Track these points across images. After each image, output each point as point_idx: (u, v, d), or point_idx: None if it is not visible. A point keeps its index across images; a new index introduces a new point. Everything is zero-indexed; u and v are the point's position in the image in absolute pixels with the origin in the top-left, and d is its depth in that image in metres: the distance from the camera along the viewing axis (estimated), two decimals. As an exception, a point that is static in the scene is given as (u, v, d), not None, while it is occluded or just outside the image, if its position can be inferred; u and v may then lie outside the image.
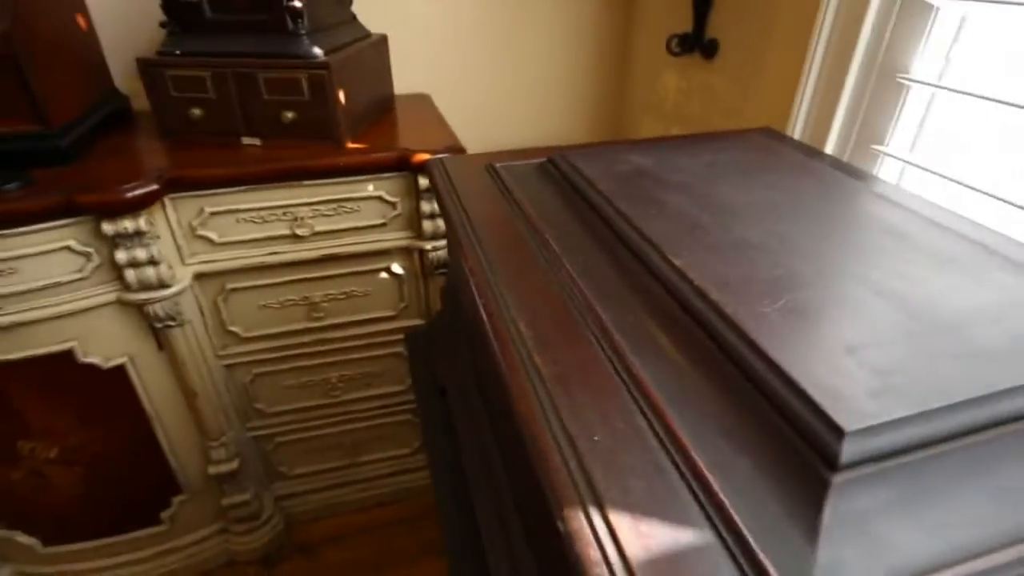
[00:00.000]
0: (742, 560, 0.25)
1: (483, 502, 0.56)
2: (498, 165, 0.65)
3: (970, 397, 0.29)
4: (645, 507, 0.27)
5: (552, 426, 0.32)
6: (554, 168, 0.60)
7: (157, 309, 0.94)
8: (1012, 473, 0.28)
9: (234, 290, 1.05)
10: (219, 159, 0.94)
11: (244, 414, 1.20)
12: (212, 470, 1.15)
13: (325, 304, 1.12)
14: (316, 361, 1.19)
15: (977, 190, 0.66)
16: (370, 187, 1.02)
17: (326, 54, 0.93)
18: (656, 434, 0.31)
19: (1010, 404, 0.29)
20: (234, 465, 1.17)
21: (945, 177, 0.70)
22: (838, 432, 0.27)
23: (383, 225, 1.07)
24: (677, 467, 0.29)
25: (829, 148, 0.89)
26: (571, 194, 0.55)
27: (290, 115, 0.95)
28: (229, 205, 0.96)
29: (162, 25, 0.96)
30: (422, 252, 1.10)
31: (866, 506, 0.26)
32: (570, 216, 0.53)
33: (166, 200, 0.92)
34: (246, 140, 0.99)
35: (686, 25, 1.20)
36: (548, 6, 1.41)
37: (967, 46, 0.73)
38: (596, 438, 0.31)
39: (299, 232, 1.02)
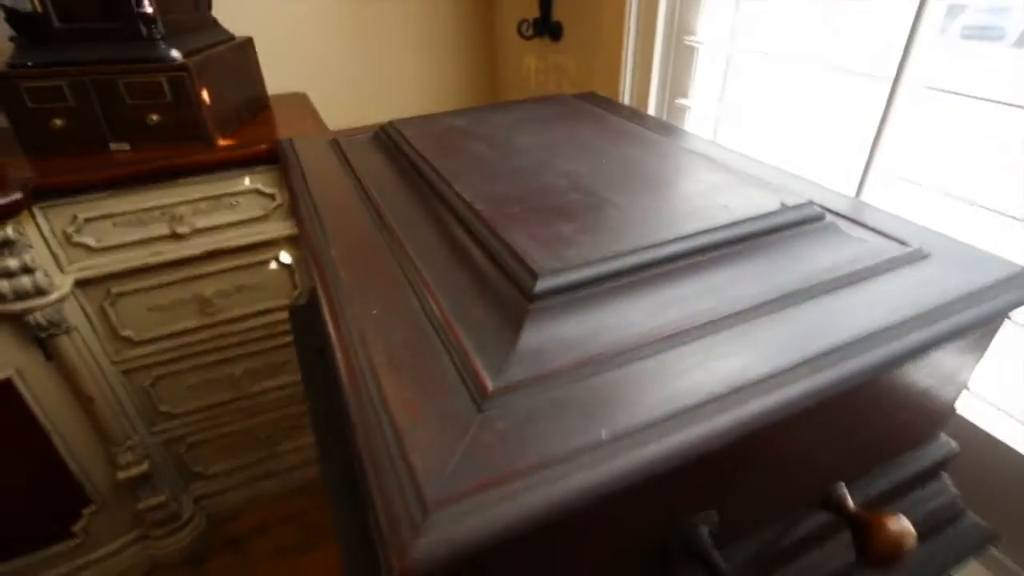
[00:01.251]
0: (457, 364, 0.35)
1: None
2: (341, 139, 0.73)
3: (640, 245, 0.40)
4: (398, 358, 0.36)
5: (345, 312, 0.41)
6: (385, 134, 0.69)
7: (38, 317, 0.95)
8: (664, 293, 0.40)
9: (121, 294, 1.07)
10: (87, 166, 0.97)
11: (149, 418, 1.22)
12: (121, 475, 1.17)
13: (217, 300, 1.16)
14: (217, 357, 1.22)
15: (744, 125, 0.81)
16: (246, 181, 1.08)
17: (185, 56, 0.97)
18: (421, 304, 0.41)
19: (670, 248, 0.41)
20: (144, 467, 1.18)
21: (726, 119, 0.85)
22: (533, 275, 0.37)
23: (264, 217, 1.12)
24: (432, 323, 0.39)
25: (651, 107, 1.03)
26: (394, 152, 0.64)
27: (155, 118, 0.99)
28: (103, 210, 0.99)
29: (12, 39, 0.97)
30: (308, 239, 1.16)
31: (553, 322, 0.37)
32: (389, 170, 0.62)
33: (35, 209, 0.94)
34: (114, 146, 1.02)
35: (535, 11, 1.32)
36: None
37: (745, 11, 0.87)
38: (374, 311, 0.40)
39: (179, 231, 1.05)
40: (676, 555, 0.39)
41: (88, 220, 0.99)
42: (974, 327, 0.40)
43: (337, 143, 0.73)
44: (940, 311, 0.40)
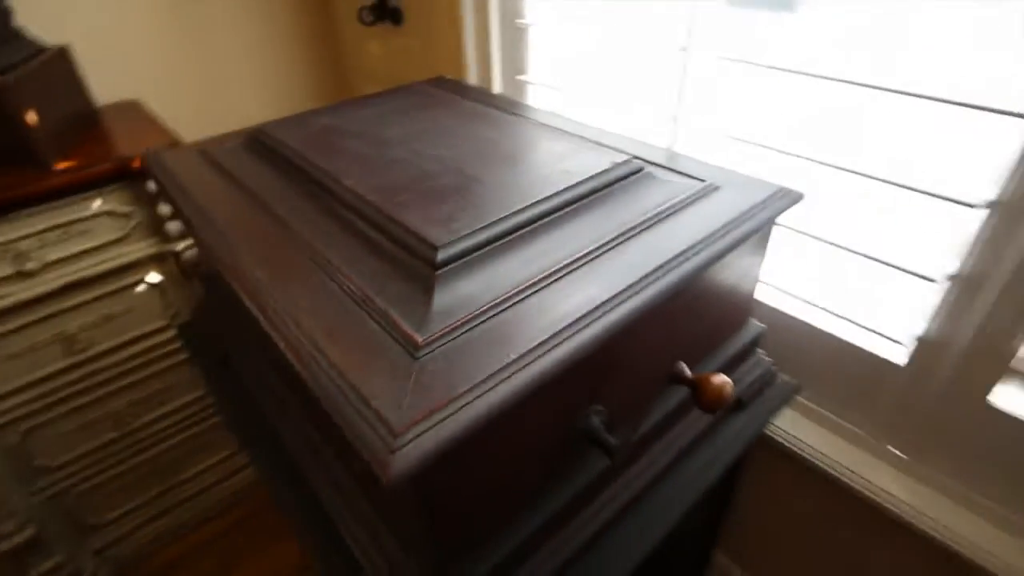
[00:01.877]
0: (387, 328, 0.43)
1: (289, 432, 0.68)
2: (209, 149, 0.74)
3: (507, 213, 0.50)
4: (337, 330, 0.43)
5: (275, 307, 0.46)
6: (256, 141, 0.72)
7: None
8: (532, 247, 0.51)
9: (-35, 348, 0.97)
10: None
11: (25, 477, 1.12)
12: (5, 546, 1.07)
13: (84, 334, 1.09)
14: (94, 395, 1.15)
15: (576, 93, 0.94)
16: (96, 203, 1.02)
17: (-6, 77, 0.89)
18: (340, 287, 0.48)
19: (531, 211, 0.52)
20: (28, 533, 1.10)
21: (559, 89, 0.98)
22: (434, 249, 0.46)
23: (123, 239, 1.07)
24: (355, 300, 0.46)
25: (495, 84, 1.13)
26: (271, 156, 0.68)
27: (-30, 148, 0.90)
28: (-75, 259, 0.89)
29: None
30: (176, 254, 1.13)
31: (456, 282, 0.46)
32: (276, 176, 0.66)
33: None
34: (-79, 185, 0.91)
35: (370, -2, 1.35)
36: (236, -5, 1.44)
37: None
38: (302, 302, 0.46)
39: (27, 268, 0.98)
40: (579, 442, 0.52)
41: (-93, 273, 0.88)
42: (753, 232, 0.56)
43: (206, 152, 0.74)
44: (728, 226, 0.55)
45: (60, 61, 1.11)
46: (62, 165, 0.99)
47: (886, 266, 0.71)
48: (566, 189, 0.55)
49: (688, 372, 0.51)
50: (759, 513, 1.06)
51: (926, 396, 0.75)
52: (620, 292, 0.46)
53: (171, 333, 1.20)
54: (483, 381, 0.39)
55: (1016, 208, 0.60)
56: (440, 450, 0.36)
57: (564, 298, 0.46)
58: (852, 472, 0.82)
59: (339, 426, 0.37)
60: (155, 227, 1.10)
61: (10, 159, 0.94)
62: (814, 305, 0.83)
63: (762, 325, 0.74)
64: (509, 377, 0.40)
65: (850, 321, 0.79)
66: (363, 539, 0.56)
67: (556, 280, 0.48)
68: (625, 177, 0.59)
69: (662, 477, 0.65)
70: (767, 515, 1.05)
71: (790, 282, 0.84)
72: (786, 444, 0.88)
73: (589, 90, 0.96)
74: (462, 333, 0.43)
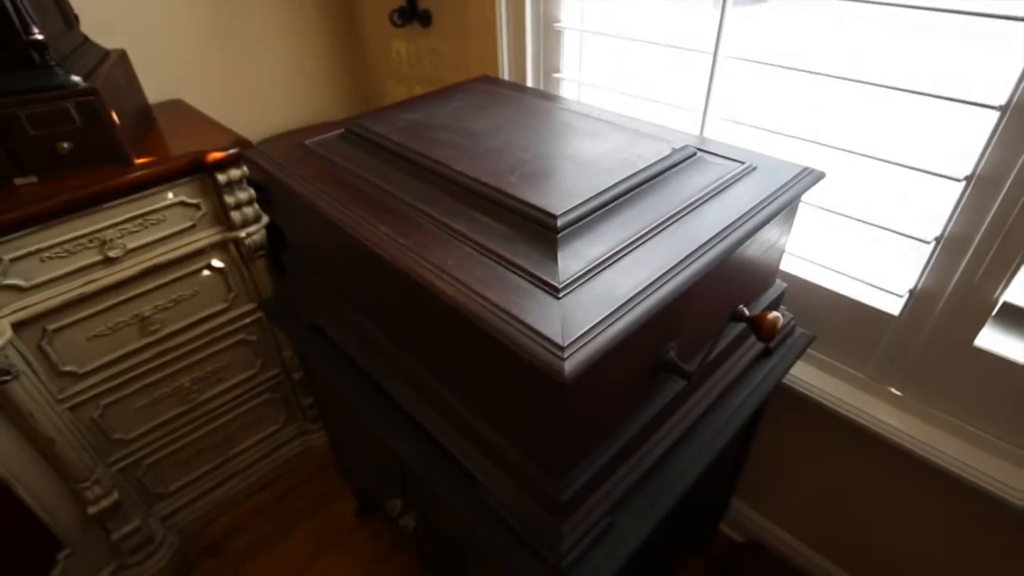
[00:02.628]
0: (528, 277, 0.55)
1: (397, 380, 0.80)
2: (306, 142, 0.85)
3: (604, 188, 0.63)
4: (487, 280, 0.55)
5: (429, 268, 0.58)
6: (353, 135, 0.83)
7: (-13, 367, 0.93)
8: (624, 214, 0.63)
9: (58, 329, 1.06)
10: (-4, 206, 0.94)
11: (103, 449, 1.21)
12: (92, 510, 1.16)
13: (158, 316, 1.18)
14: (163, 373, 1.24)
15: (610, 89, 1.06)
16: (170, 195, 1.11)
17: (84, 79, 0.97)
18: (474, 250, 0.60)
19: (620, 187, 0.65)
20: (115, 497, 1.19)
21: (596, 86, 1.10)
22: (553, 217, 0.59)
23: (192, 227, 1.16)
24: (494, 259, 0.58)
25: (528, 80, 1.25)
26: (375, 149, 0.79)
27: (66, 146, 0.98)
28: (27, 248, 0.97)
29: None
30: (237, 242, 1.22)
31: (573, 242, 0.59)
32: (378, 161, 0.77)
33: (-47, 259, 0.90)
34: (20, 181, 0.99)
35: (400, 0, 1.45)
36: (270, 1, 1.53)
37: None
38: (449, 261, 0.58)
39: (111, 254, 1.06)
40: (660, 369, 0.65)
41: (13, 260, 0.96)
42: (789, 203, 0.70)
43: (302, 145, 0.84)
44: (769, 198, 0.68)
45: (124, 65, 1.19)
46: (141, 160, 1.08)
47: (882, 230, 0.86)
48: (642, 170, 0.68)
49: (747, 312, 0.64)
50: (772, 456, 1.21)
51: (918, 341, 0.90)
52: (698, 248, 0.60)
53: (231, 315, 1.29)
54: (611, 314, 0.52)
55: (988, 181, 0.75)
56: (589, 362, 0.48)
57: (658, 253, 0.59)
58: (856, 409, 0.98)
59: (509, 350, 0.50)
60: (219, 217, 1.19)
61: (100, 157, 1.02)
62: (821, 266, 0.97)
63: (784, 284, 0.88)
64: (627, 312, 0.52)
65: (851, 278, 0.94)
66: (476, 457, 0.68)
67: (648, 240, 0.61)
68: (683, 161, 0.72)
69: (712, 408, 0.79)
70: (780, 457, 1.20)
71: (801, 248, 0.99)
72: (797, 388, 1.03)
73: (622, 86, 1.09)
74: (587, 280, 0.55)
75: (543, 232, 0.59)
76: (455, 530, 0.87)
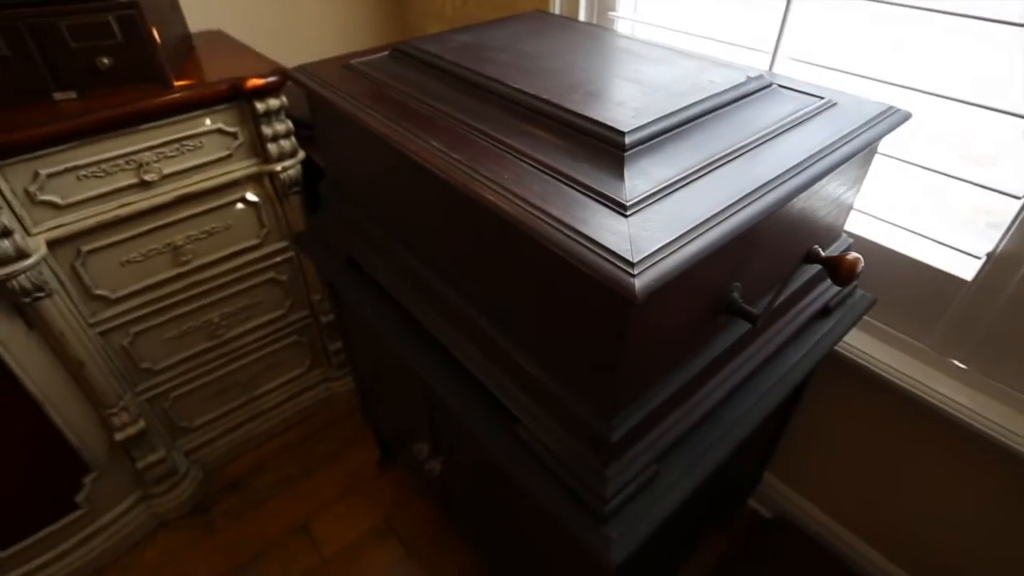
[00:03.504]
0: (591, 194, 0.50)
1: (437, 319, 0.77)
2: (352, 62, 0.81)
3: (674, 109, 0.58)
4: (547, 196, 0.51)
5: (483, 181, 0.54)
6: (402, 54, 0.79)
7: (22, 281, 0.92)
8: (695, 139, 0.58)
9: (92, 251, 1.04)
10: (33, 119, 0.91)
11: (131, 378, 1.21)
12: (119, 436, 1.17)
13: (190, 246, 1.16)
14: (193, 306, 1.23)
15: (669, 28, 1.00)
16: (207, 121, 1.08)
17: (125, -8, 0.94)
18: (533, 166, 0.55)
19: (691, 111, 0.59)
20: (141, 425, 1.20)
21: (653, 24, 1.04)
22: (621, 134, 0.54)
23: (228, 157, 1.13)
24: (553, 176, 0.54)
25: (582, 18, 1.19)
26: (425, 68, 0.75)
27: (106, 61, 0.95)
28: (65, 163, 0.95)
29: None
30: (272, 176, 1.19)
31: (640, 162, 0.54)
32: (429, 79, 0.72)
33: (-8, 169, 0.89)
34: (59, 96, 0.97)
35: (448, -65, 1.38)
36: (314, -72, 1.47)
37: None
38: (506, 176, 0.54)
39: (147, 178, 1.04)
40: (722, 310, 0.60)
41: (51, 176, 0.95)
42: (874, 140, 0.64)
43: (350, 66, 0.80)
44: (853, 132, 0.62)
45: (165, -16, 1.15)
46: (180, 83, 1.05)
47: (960, 184, 0.79)
48: (716, 95, 0.62)
49: (823, 252, 0.59)
50: (813, 427, 1.16)
51: (991, 310, 0.83)
52: (774, 178, 0.54)
53: (263, 252, 1.27)
54: (682, 235, 0.47)
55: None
56: (660, 282, 0.44)
57: (730, 180, 0.54)
58: (914, 380, 0.92)
59: (572, 268, 0.45)
60: (255, 148, 1.16)
61: (139, 75, 0.99)
62: (887, 222, 0.90)
63: (850, 238, 0.82)
64: (699, 236, 0.48)
65: (921, 236, 0.87)
66: (517, 393, 0.65)
67: (721, 166, 0.55)
68: (759, 90, 0.66)
69: (767, 363, 0.74)
70: (821, 429, 1.15)
71: (864, 203, 0.92)
72: (848, 355, 0.97)
73: (684, 26, 1.02)
74: (656, 200, 0.50)
75: (609, 150, 0.54)
76: (486, 473, 0.85)
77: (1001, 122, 0.74)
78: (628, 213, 0.49)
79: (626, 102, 0.60)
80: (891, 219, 0.90)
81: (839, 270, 0.56)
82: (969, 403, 0.88)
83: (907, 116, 0.68)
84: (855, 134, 0.63)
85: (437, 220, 0.68)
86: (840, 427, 1.12)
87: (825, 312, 0.83)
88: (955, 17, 0.73)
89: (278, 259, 1.31)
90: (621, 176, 0.52)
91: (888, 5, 0.78)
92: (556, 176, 0.54)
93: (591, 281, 0.45)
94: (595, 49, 0.76)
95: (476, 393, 0.71)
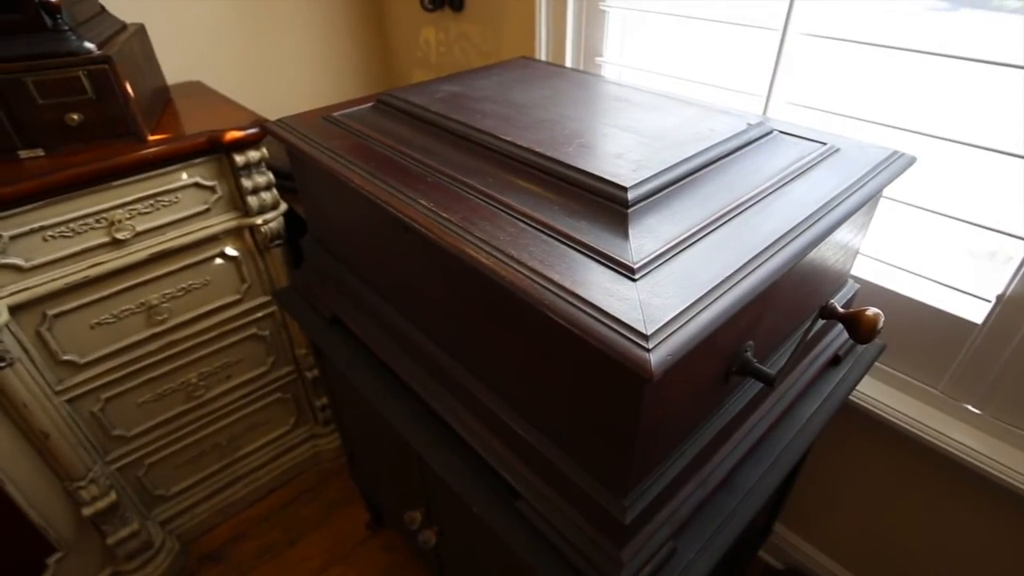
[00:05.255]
0: (595, 256, 0.47)
1: (431, 386, 0.72)
2: (334, 115, 0.77)
3: (676, 161, 0.55)
4: (547, 259, 0.47)
5: (477, 244, 0.50)
6: (386, 106, 0.76)
7: (-20, 351, 0.86)
8: (700, 191, 0.55)
9: (59, 315, 0.98)
10: (-2, 178, 0.87)
11: (102, 446, 1.14)
12: (87, 511, 1.09)
13: (166, 305, 1.11)
14: (170, 367, 1.17)
15: (660, 72, 0.98)
16: (184, 175, 1.04)
17: (98, 47, 0.91)
18: (530, 225, 0.51)
19: (694, 162, 0.56)
20: (112, 497, 1.11)
21: (641, 69, 1.03)
22: (623, 189, 0.50)
23: (206, 211, 1.09)
24: (552, 236, 0.50)
25: (568, 65, 1.18)
26: (410, 120, 0.72)
27: (76, 117, 0.92)
28: (30, 224, 0.90)
29: None
30: (253, 229, 1.15)
31: (645, 219, 0.50)
32: (415, 132, 0.69)
33: (-51, 233, 0.84)
34: (24, 153, 0.92)
35: (430, -16, 1.39)
36: (296, -20, 1.47)
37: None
38: (502, 237, 0.50)
39: (119, 236, 0.99)
40: (736, 371, 0.56)
41: (14, 238, 0.89)
42: (880, 188, 0.61)
43: (331, 118, 0.77)
44: (859, 181, 0.60)
45: (141, 38, 1.13)
46: (155, 137, 1.01)
47: (966, 227, 0.77)
48: (717, 144, 0.59)
49: (841, 308, 0.56)
50: (823, 476, 1.11)
51: (1003, 353, 0.80)
52: (787, 233, 0.51)
53: (244, 307, 1.22)
54: (698, 300, 0.43)
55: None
56: (677, 355, 0.40)
57: (741, 236, 0.50)
58: (926, 427, 0.88)
59: (577, 341, 0.41)
60: (235, 201, 1.12)
61: (111, 131, 0.96)
62: (893, 266, 0.88)
63: (857, 284, 0.79)
64: (715, 301, 0.44)
65: (928, 279, 0.85)
66: (521, 469, 0.60)
67: (729, 220, 0.52)
68: (760, 137, 0.64)
69: (782, 418, 0.70)
70: (832, 477, 1.10)
71: (870, 247, 0.90)
72: (858, 402, 0.93)
73: (673, 69, 1.01)
74: (665, 261, 0.47)
75: (610, 206, 0.51)
76: (487, 550, 0.78)
77: (1003, 163, 0.72)
78: (637, 277, 0.45)
79: (625, 154, 0.57)
80: (896, 262, 0.87)
81: (859, 327, 0.52)
82: (984, 449, 0.84)
83: (912, 160, 0.66)
84: (863, 181, 0.61)
85: (428, 282, 0.63)
86: (850, 475, 1.07)
87: (835, 361, 0.79)
88: (950, 59, 0.72)
89: (260, 314, 1.25)
90: (626, 235, 0.49)
91: (883, 48, 0.77)
92: (555, 236, 0.50)
93: (600, 355, 0.40)
94: (586, 97, 0.74)
95: (475, 465, 0.66)
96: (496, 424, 0.62)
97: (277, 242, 1.19)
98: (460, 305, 0.60)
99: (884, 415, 0.91)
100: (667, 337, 0.40)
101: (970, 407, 0.87)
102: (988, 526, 0.91)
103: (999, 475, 0.82)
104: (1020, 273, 0.76)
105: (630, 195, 0.50)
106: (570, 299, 0.43)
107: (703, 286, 0.44)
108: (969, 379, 0.85)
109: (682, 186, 0.55)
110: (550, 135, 0.61)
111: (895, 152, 0.66)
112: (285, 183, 1.19)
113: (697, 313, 0.42)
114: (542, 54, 1.19)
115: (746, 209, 0.54)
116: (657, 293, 0.43)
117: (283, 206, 1.19)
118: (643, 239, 0.48)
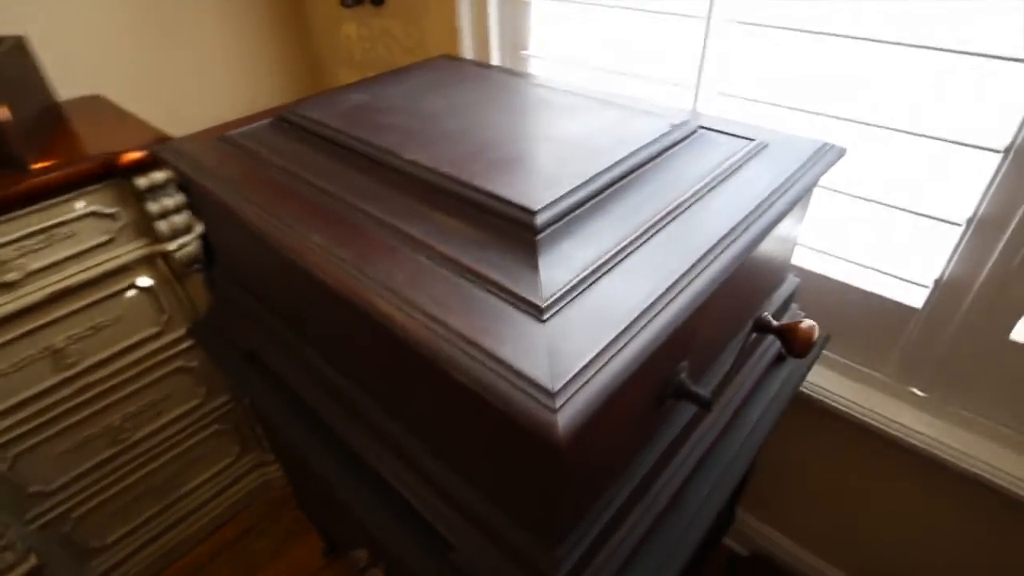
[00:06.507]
0: (496, 291, 0.42)
1: (346, 421, 0.66)
2: (230, 134, 0.70)
3: (593, 174, 0.50)
4: (447, 301, 0.42)
5: (372, 286, 0.44)
6: (286, 123, 0.69)
7: None
8: (620, 206, 0.50)
9: (-55, 370, 0.88)
10: None
11: (17, 506, 1.04)
12: (4, 579, 0.99)
13: (74, 347, 1.01)
14: (88, 411, 1.07)
15: (586, 64, 0.94)
16: (79, 204, 0.94)
17: (-43, 70, 0.81)
18: (430, 259, 0.46)
19: (612, 173, 0.52)
20: (33, 561, 1.02)
21: (569, 62, 0.98)
22: (531, 213, 0.45)
23: (110, 241, 1.00)
24: (455, 272, 0.45)
25: (494, 59, 1.12)
26: (310, 138, 0.65)
27: (-62, 150, 0.81)
28: None
29: None
30: (167, 255, 1.06)
31: (558, 245, 0.45)
32: (315, 152, 0.63)
33: None
34: None
35: (347, -21, 1.30)
36: (200, -21, 1.35)
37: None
38: (399, 277, 0.45)
39: (8, 278, 0.90)
40: (669, 396, 0.52)
41: None
42: (811, 185, 0.58)
43: (227, 139, 0.69)
44: (791, 179, 0.56)
45: (20, 54, 1.01)
46: (40, 165, 0.91)
47: (902, 215, 0.75)
48: (638, 151, 0.55)
49: (775, 322, 0.52)
50: (782, 465, 1.10)
51: (944, 336, 0.79)
52: (714, 246, 0.47)
53: (165, 340, 1.13)
54: (613, 341, 0.39)
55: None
56: (588, 411, 0.35)
57: (664, 254, 0.46)
58: (874, 413, 0.87)
59: (479, 398, 0.36)
60: (142, 228, 1.03)
61: (-17, 160, 0.86)
62: (833, 256, 0.86)
63: (797, 279, 0.77)
64: (634, 337, 0.40)
65: (867, 268, 0.83)
66: (451, 518, 0.55)
67: (651, 238, 0.48)
68: (685, 138, 0.60)
69: (728, 428, 0.67)
70: (790, 466, 1.10)
71: (808, 237, 0.87)
72: (808, 393, 0.92)
73: (599, 61, 0.96)
74: (578, 294, 0.42)
75: (519, 233, 0.46)
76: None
77: (933, 148, 0.70)
78: (545, 317, 0.40)
79: (537, 169, 0.52)
80: (838, 249, 0.85)
81: (793, 342, 0.49)
82: (930, 431, 0.84)
83: (843, 152, 0.63)
84: (794, 179, 0.57)
85: (337, 324, 0.57)
86: (806, 460, 1.07)
87: (780, 358, 0.77)
88: (880, 44, 0.70)
89: (185, 344, 1.17)
90: (535, 266, 0.44)
91: (811, 34, 0.74)
92: (460, 272, 0.45)
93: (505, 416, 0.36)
94: (502, 101, 0.68)
95: (407, 512, 0.61)
96: (423, 472, 0.57)
97: (196, 266, 1.10)
98: (369, 347, 0.54)
99: (832, 403, 0.90)
100: (576, 392, 0.35)
101: (916, 390, 0.86)
102: (937, 502, 0.91)
103: (945, 456, 0.82)
104: (955, 257, 0.75)
105: (539, 219, 0.45)
106: (469, 349, 0.38)
107: (620, 322, 0.40)
108: (914, 363, 0.85)
109: (601, 200, 0.50)
110: (458, 150, 0.56)
111: (825, 144, 0.63)
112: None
113: (614, 354, 0.38)
114: (466, 49, 1.13)
115: (671, 221, 0.50)
116: (568, 336, 0.39)
117: (199, 227, 1.10)
118: (554, 269, 0.44)
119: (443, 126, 0.62)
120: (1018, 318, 0.73)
